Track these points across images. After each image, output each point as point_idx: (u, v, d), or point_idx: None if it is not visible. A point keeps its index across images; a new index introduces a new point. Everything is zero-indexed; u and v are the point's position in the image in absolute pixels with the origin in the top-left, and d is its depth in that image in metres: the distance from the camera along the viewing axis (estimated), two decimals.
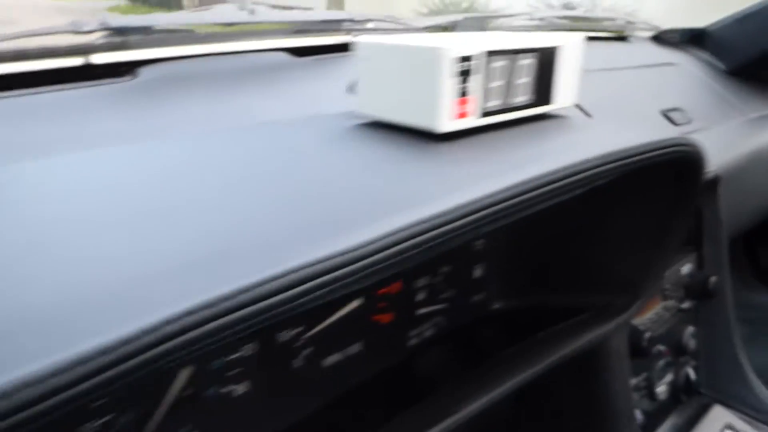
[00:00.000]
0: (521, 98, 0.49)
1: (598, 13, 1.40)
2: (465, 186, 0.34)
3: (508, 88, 0.46)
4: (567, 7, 1.34)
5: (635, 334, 0.67)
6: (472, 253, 0.57)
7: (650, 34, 1.53)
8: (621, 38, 1.47)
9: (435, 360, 0.54)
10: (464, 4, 8.70)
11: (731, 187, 1.14)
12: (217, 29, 0.79)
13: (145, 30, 0.72)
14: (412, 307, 0.52)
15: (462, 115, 0.44)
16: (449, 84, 0.42)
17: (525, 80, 0.47)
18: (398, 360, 0.51)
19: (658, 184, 0.53)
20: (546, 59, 0.49)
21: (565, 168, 0.38)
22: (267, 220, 0.33)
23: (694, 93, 1.32)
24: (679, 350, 0.81)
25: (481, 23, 1.22)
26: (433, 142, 0.44)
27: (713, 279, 0.80)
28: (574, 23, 1.33)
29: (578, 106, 1.03)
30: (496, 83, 0.45)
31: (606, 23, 1.42)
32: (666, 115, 1.16)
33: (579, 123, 0.50)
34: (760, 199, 1.27)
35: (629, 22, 1.47)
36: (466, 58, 0.41)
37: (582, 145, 0.43)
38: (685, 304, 0.81)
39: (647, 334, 0.68)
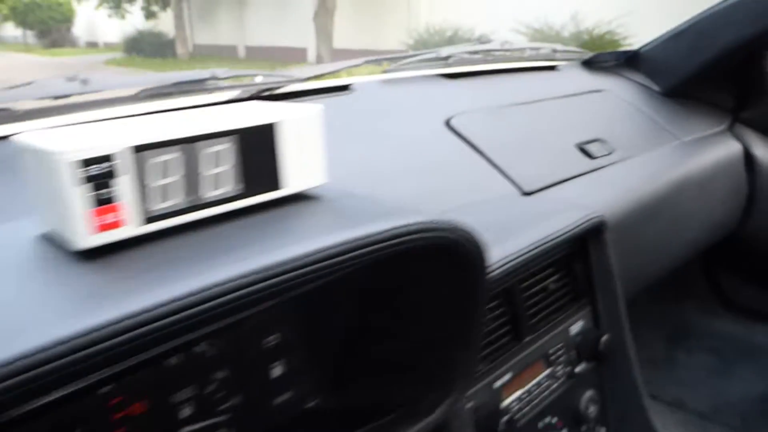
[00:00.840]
0: (220, 191, 0.41)
1: (516, 43, 1.34)
2: (45, 329, 0.28)
3: (193, 182, 0.39)
4: (481, 41, 1.27)
5: (489, 419, 0.59)
6: (265, 351, 0.50)
7: (581, 59, 1.47)
8: (550, 68, 1.41)
9: None
10: (448, 33, 8.75)
11: (660, 216, 1.07)
12: (45, 104, 0.74)
13: None
14: (173, 426, 0.44)
15: (109, 226, 0.37)
16: (77, 193, 0.35)
17: (220, 170, 0.40)
18: None
19: (435, 274, 0.46)
20: (255, 140, 0.41)
21: (204, 289, 0.31)
22: None
23: (621, 120, 1.25)
24: (576, 419, 0.72)
25: (380, 64, 1.16)
26: (80, 260, 0.37)
27: (604, 338, 0.72)
28: (489, 57, 1.28)
29: (478, 150, 0.97)
30: (164, 181, 0.37)
31: (529, 53, 1.36)
32: (582, 148, 1.09)
33: (310, 210, 0.43)
34: (696, 225, 1.19)
35: (555, 50, 1.41)
36: (100, 159, 0.35)
37: (283, 244, 0.36)
38: (580, 368, 0.73)
39: (505, 417, 0.60)
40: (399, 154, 0.90)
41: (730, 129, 1.37)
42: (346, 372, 0.51)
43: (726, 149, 1.26)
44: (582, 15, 7.61)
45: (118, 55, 15.61)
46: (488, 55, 1.28)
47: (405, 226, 0.38)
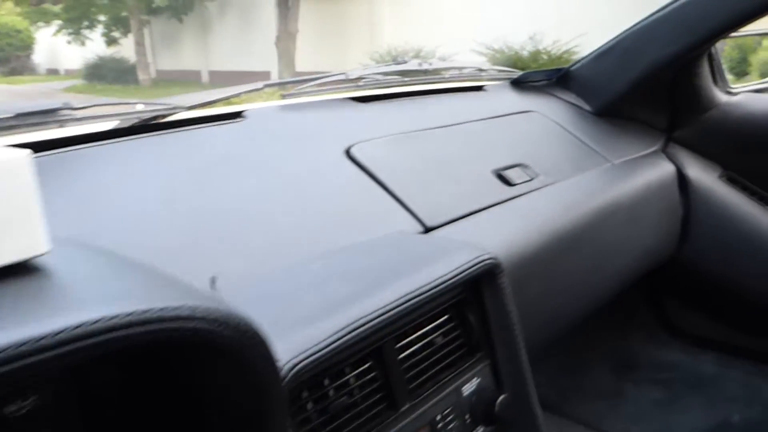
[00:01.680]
0: None
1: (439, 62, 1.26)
2: None
3: None
4: (397, 61, 1.21)
5: None
6: None
7: (509, 79, 1.40)
8: (476, 88, 1.33)
9: None
10: (410, 54, 8.76)
11: (584, 246, 0.98)
12: None
13: None
14: None
15: None
16: None
17: None
18: None
19: (198, 371, 0.36)
20: None
21: None
22: None
23: (548, 143, 1.18)
24: None
25: (282, 89, 1.07)
26: None
27: (501, 398, 0.62)
28: (406, 79, 1.19)
29: (378, 181, 0.87)
30: None
31: (452, 73, 1.29)
32: (500, 174, 1.01)
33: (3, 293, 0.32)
34: (627, 252, 1.11)
35: (481, 70, 1.34)
36: None
37: None
38: None
39: None
40: (286, 187, 0.81)
41: (664, 149, 1.31)
42: None
43: (658, 171, 1.20)
44: (539, 36, 7.69)
45: (78, 82, 15.30)
46: (406, 75, 1.20)
47: (108, 319, 0.28)
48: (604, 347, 1.50)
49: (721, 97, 1.31)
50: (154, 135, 0.84)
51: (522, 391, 0.66)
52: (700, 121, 1.30)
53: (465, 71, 1.30)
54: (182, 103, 0.91)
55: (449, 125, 1.09)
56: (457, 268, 0.60)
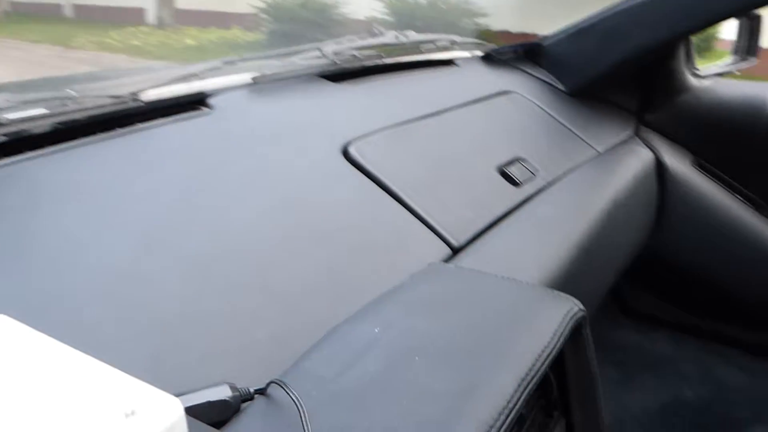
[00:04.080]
0: None
1: (412, 36, 1.10)
2: None
3: None
4: (372, 33, 1.08)
5: None
6: None
7: (480, 52, 1.28)
8: (447, 62, 1.20)
9: None
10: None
11: (595, 256, 0.91)
12: None
13: None
14: None
15: None
16: None
17: None
18: None
19: None
20: None
21: None
22: None
23: (536, 130, 1.08)
24: None
25: (246, 64, 0.87)
26: None
27: None
28: (382, 52, 1.03)
29: (390, 192, 0.73)
30: None
31: (426, 46, 1.14)
32: (504, 171, 0.90)
33: None
34: (622, 252, 1.06)
35: (453, 42, 1.20)
36: None
37: None
38: None
39: None
40: (286, 208, 0.64)
41: (637, 133, 1.27)
42: None
43: (641, 160, 1.15)
44: None
45: None
46: (381, 49, 1.04)
47: None
48: None
49: (692, 80, 1.28)
50: (97, 140, 0.63)
51: None
52: (673, 106, 1.26)
53: (438, 44, 1.16)
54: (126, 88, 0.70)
55: (440, 112, 0.95)
56: (556, 332, 0.49)
